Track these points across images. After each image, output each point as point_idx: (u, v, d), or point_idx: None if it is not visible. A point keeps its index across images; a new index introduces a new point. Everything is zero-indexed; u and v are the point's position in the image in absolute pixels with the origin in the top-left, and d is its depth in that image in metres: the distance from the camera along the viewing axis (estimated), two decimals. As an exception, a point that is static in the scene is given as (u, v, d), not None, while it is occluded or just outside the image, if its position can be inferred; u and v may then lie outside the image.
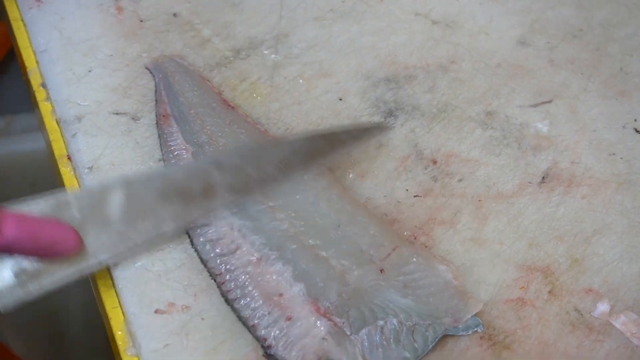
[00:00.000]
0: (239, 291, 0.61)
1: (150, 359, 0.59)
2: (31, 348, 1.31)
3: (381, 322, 0.59)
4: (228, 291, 0.62)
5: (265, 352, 0.58)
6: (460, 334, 0.60)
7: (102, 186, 0.66)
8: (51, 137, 0.77)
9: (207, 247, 0.65)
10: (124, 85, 0.80)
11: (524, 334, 0.61)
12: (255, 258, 0.63)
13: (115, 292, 0.64)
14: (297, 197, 0.67)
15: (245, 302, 0.61)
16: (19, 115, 1.47)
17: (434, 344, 0.59)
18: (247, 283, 0.62)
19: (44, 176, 1.17)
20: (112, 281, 0.65)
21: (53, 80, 0.81)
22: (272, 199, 0.67)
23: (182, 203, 0.66)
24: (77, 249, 0.61)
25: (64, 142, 0.76)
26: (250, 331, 0.60)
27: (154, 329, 0.60)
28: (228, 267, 0.63)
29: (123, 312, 0.63)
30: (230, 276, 0.62)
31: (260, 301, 0.60)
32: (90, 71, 0.82)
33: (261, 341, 0.59)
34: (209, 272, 0.64)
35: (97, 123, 0.76)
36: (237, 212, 0.66)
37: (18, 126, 1.48)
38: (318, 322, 0.59)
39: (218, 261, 0.64)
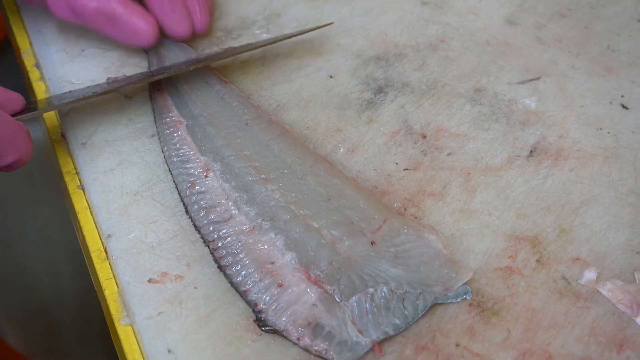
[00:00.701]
0: (231, 258, 0.62)
1: (144, 326, 0.60)
2: (26, 339, 1.32)
3: (371, 290, 0.60)
4: (220, 257, 0.63)
5: (257, 318, 0.59)
6: (449, 301, 0.61)
7: None
8: (45, 115, 0.78)
9: (202, 214, 0.66)
10: (117, 65, 0.81)
11: (512, 301, 0.62)
12: (247, 227, 0.64)
13: (109, 264, 0.65)
14: (286, 171, 0.68)
15: (237, 268, 0.62)
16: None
17: (424, 311, 0.60)
18: (239, 250, 0.63)
19: (40, 166, 1.18)
20: (105, 253, 0.66)
21: (47, 60, 0.82)
22: (264, 172, 0.68)
23: None
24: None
25: (58, 120, 0.77)
26: (242, 296, 0.61)
27: (147, 297, 0.61)
28: (221, 234, 0.64)
29: (117, 283, 0.64)
30: (222, 243, 0.63)
31: (252, 268, 0.61)
32: (83, 51, 0.82)
33: (252, 306, 0.60)
34: (202, 238, 0.65)
35: (90, 101, 0.77)
36: (234, 184, 0.67)
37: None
38: (309, 289, 0.60)
39: (211, 228, 0.65)
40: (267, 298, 0.60)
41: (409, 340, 0.59)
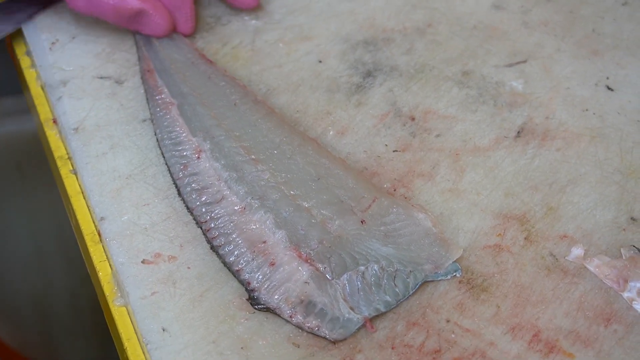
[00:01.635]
0: (223, 238, 0.63)
1: (139, 305, 0.60)
2: (17, 333, 1.32)
3: (362, 268, 0.60)
4: (213, 238, 0.63)
5: (250, 296, 0.60)
6: (439, 278, 0.62)
7: None
8: (36, 102, 0.78)
9: (194, 195, 0.66)
10: (108, 51, 0.82)
11: (501, 277, 0.63)
12: (239, 207, 0.65)
13: (103, 246, 0.66)
14: (275, 152, 0.69)
15: (229, 248, 0.62)
16: (5, 98, 1.48)
17: (415, 289, 0.61)
18: (231, 231, 0.63)
19: (30, 158, 1.18)
20: (99, 236, 0.66)
21: (38, 47, 0.83)
22: (253, 152, 0.68)
23: None
24: None
25: (49, 106, 0.77)
26: (235, 276, 0.62)
27: (141, 278, 0.62)
28: (213, 215, 0.65)
29: (110, 265, 0.64)
30: (215, 224, 0.64)
31: (244, 248, 0.62)
32: (74, 38, 0.83)
33: (245, 285, 0.61)
34: (195, 219, 0.66)
35: (82, 87, 0.77)
36: (223, 162, 0.67)
37: (4, 109, 1.49)
38: (300, 267, 0.61)
39: (203, 210, 0.65)
40: (260, 277, 0.61)
41: (400, 317, 0.60)
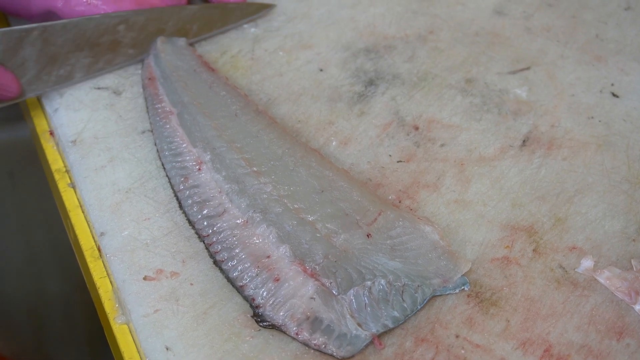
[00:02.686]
0: (226, 253, 0.62)
1: (141, 324, 0.59)
2: (12, 343, 1.30)
3: (369, 283, 0.59)
4: (216, 253, 0.62)
5: (255, 313, 0.59)
6: (447, 293, 0.61)
7: (20, 29, 0.73)
8: (32, 114, 0.77)
9: (195, 208, 0.65)
10: (104, 60, 0.80)
11: (510, 291, 0.62)
12: (241, 221, 0.63)
13: (103, 262, 0.64)
14: (278, 164, 0.68)
15: (232, 263, 0.61)
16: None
17: (423, 304, 0.60)
18: (234, 245, 0.62)
19: (23, 165, 1.17)
20: (99, 251, 0.65)
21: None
22: (255, 164, 0.67)
23: (92, 53, 0.76)
24: (16, 94, 0.72)
25: (46, 118, 0.76)
26: (239, 291, 0.60)
27: (143, 295, 0.61)
28: (215, 229, 0.63)
29: (111, 281, 0.63)
30: (217, 238, 0.63)
31: (248, 263, 0.61)
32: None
33: (250, 302, 0.59)
34: (196, 233, 0.64)
35: (79, 98, 0.76)
36: (224, 174, 0.66)
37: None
38: (306, 282, 0.59)
39: (205, 223, 0.64)
40: (265, 293, 0.59)
41: (409, 333, 0.59)
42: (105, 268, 0.64)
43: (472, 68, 0.82)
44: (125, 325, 0.61)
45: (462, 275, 0.62)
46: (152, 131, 0.72)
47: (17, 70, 0.72)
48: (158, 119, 0.72)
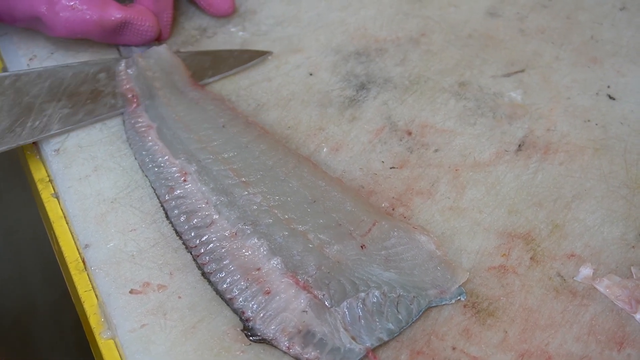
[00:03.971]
0: (215, 265, 0.60)
1: (127, 339, 0.57)
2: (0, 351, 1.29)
3: (363, 295, 0.58)
4: (204, 264, 0.61)
5: (245, 327, 0.57)
6: (443, 303, 0.59)
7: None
8: (15, 122, 0.75)
9: (182, 219, 0.63)
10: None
11: (507, 300, 0.60)
12: (230, 232, 0.62)
13: (88, 275, 0.63)
14: (268, 174, 0.66)
15: (221, 275, 0.60)
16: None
17: (419, 315, 0.58)
18: (223, 257, 0.60)
19: (7, 175, 1.15)
20: (83, 264, 0.63)
21: (15, 63, 0.80)
22: (244, 175, 0.65)
23: (70, 103, 0.72)
24: None
25: (29, 126, 0.74)
26: (228, 304, 0.59)
27: (129, 309, 0.59)
28: (203, 240, 0.62)
29: (96, 295, 0.61)
30: (205, 249, 0.61)
31: (238, 275, 0.59)
32: (52, 53, 0.80)
33: (240, 315, 0.58)
34: (184, 244, 0.62)
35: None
36: (212, 186, 0.65)
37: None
38: (298, 295, 0.58)
39: (193, 234, 0.62)
40: (255, 306, 0.57)
41: (404, 345, 0.57)
42: (90, 281, 0.62)
43: (465, 71, 0.80)
44: (112, 341, 0.59)
45: (458, 286, 0.60)
46: (129, 144, 0.71)
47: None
48: (135, 133, 0.70)
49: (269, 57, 0.81)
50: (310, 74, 0.79)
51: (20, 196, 1.05)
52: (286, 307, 0.57)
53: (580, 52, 0.83)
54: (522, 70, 0.80)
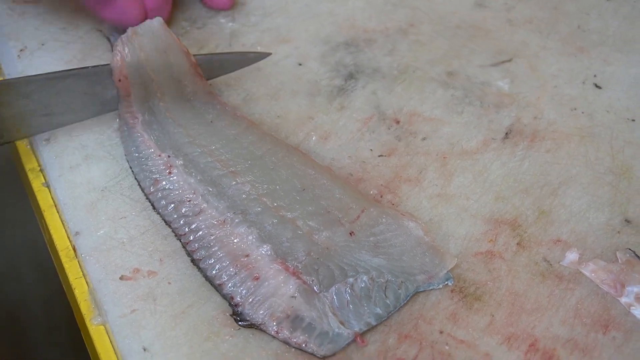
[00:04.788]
0: (204, 251, 0.61)
1: (118, 325, 0.58)
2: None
3: (351, 280, 0.58)
4: (193, 251, 0.61)
5: (234, 312, 0.57)
6: (431, 288, 0.60)
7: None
8: (5, 112, 0.75)
9: (169, 208, 0.64)
10: (79, 58, 0.79)
11: (494, 285, 0.61)
12: (218, 221, 0.62)
13: (78, 262, 0.63)
14: (256, 162, 0.67)
15: (210, 262, 0.60)
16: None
17: (407, 300, 0.59)
18: (212, 244, 0.61)
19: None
20: (74, 252, 0.63)
21: (5, 55, 0.80)
22: (232, 165, 0.66)
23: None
24: None
25: (19, 116, 0.74)
26: (217, 290, 0.59)
27: (120, 295, 0.59)
28: (192, 227, 0.62)
29: (87, 282, 0.62)
30: (194, 237, 0.62)
31: (227, 261, 0.60)
32: (43, 44, 0.80)
33: (229, 300, 0.58)
34: (173, 232, 0.63)
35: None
36: (200, 178, 0.65)
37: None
38: (287, 280, 0.58)
39: (181, 222, 0.63)
40: (244, 291, 0.58)
41: (392, 329, 0.58)
42: (81, 268, 0.62)
43: (453, 61, 0.81)
44: (102, 326, 0.59)
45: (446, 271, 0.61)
46: (120, 134, 0.71)
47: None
48: (124, 123, 0.70)
49: (258, 48, 0.81)
50: (300, 64, 0.80)
51: (11, 191, 1.05)
52: (275, 292, 0.58)
53: (567, 41, 0.83)
54: (510, 60, 0.81)
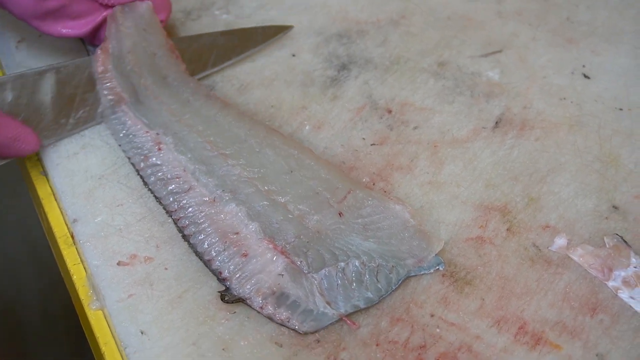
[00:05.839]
0: (193, 227, 0.62)
1: (115, 309, 0.59)
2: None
3: (342, 264, 0.59)
4: (184, 227, 0.63)
5: (221, 295, 0.59)
6: (422, 273, 0.61)
7: (33, 71, 0.69)
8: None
9: (159, 185, 0.65)
10: (77, 49, 0.79)
11: (484, 270, 0.62)
12: (208, 198, 0.63)
13: (76, 249, 0.64)
14: (243, 145, 0.68)
15: (200, 238, 0.62)
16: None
17: (398, 284, 0.60)
18: (202, 220, 0.63)
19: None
20: (72, 238, 0.64)
21: (3, 46, 0.80)
22: (221, 147, 0.67)
23: None
24: (34, 150, 0.67)
25: (17, 107, 0.75)
26: (206, 265, 0.61)
27: (117, 280, 0.60)
28: (182, 204, 0.64)
29: (85, 268, 0.63)
30: (184, 213, 0.63)
31: (216, 238, 0.61)
32: (41, 35, 0.81)
33: (217, 275, 0.60)
34: (164, 208, 0.65)
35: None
36: (190, 156, 0.66)
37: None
38: (275, 259, 0.60)
39: (171, 199, 0.64)
40: (232, 267, 0.60)
41: (384, 313, 0.59)
42: (79, 254, 0.64)
43: (444, 52, 0.82)
44: (100, 311, 0.60)
45: (436, 255, 0.62)
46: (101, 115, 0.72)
47: (32, 117, 0.68)
48: (108, 105, 0.72)
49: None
50: (293, 55, 0.81)
51: (9, 183, 1.05)
52: (262, 269, 0.59)
53: (556, 32, 0.84)
54: (500, 51, 0.82)
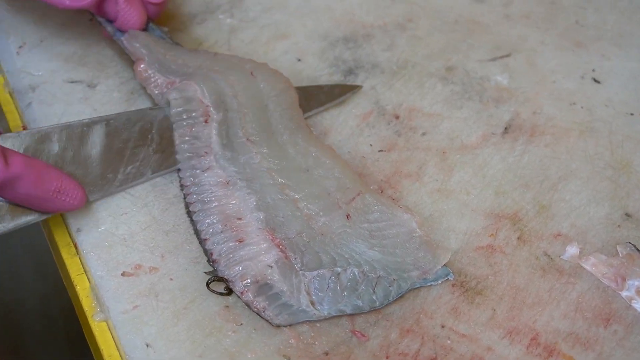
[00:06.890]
0: (200, 205, 0.63)
1: (120, 321, 0.58)
2: (-11, 344, 1.29)
3: (339, 270, 0.58)
4: (191, 203, 0.63)
5: (208, 281, 0.59)
6: (429, 284, 0.60)
7: (81, 122, 0.66)
8: (5, 109, 0.75)
9: (185, 155, 0.66)
10: (79, 54, 0.79)
11: (495, 279, 0.61)
12: (223, 180, 0.64)
13: (80, 258, 0.63)
14: (273, 137, 0.68)
15: (202, 216, 0.62)
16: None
17: (397, 298, 0.59)
18: (210, 200, 0.63)
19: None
20: (75, 248, 0.63)
21: (4, 51, 0.79)
22: (251, 134, 0.67)
23: (160, 147, 0.68)
24: (79, 206, 0.62)
25: (19, 113, 0.74)
26: (201, 245, 0.61)
27: (121, 291, 0.59)
28: (196, 180, 0.64)
29: (89, 278, 0.62)
30: (195, 189, 0.64)
31: (217, 219, 0.61)
32: (42, 41, 0.80)
33: (208, 256, 0.60)
34: (180, 182, 0.66)
35: (52, 92, 0.74)
36: (225, 143, 0.66)
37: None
38: (269, 250, 0.60)
39: (188, 173, 0.65)
40: (224, 249, 0.60)
41: (394, 324, 0.58)
42: (83, 265, 0.63)
43: (452, 56, 0.81)
44: (104, 323, 0.59)
45: (444, 266, 0.61)
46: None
47: (78, 171, 0.65)
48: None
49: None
50: (299, 60, 0.80)
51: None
52: (253, 257, 0.59)
53: (565, 36, 0.83)
54: (508, 55, 0.81)
